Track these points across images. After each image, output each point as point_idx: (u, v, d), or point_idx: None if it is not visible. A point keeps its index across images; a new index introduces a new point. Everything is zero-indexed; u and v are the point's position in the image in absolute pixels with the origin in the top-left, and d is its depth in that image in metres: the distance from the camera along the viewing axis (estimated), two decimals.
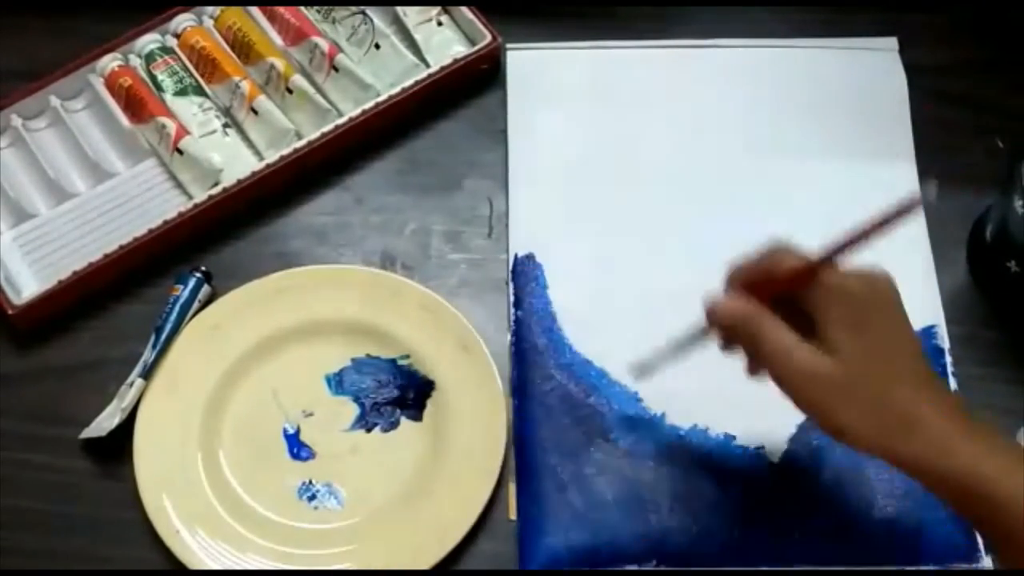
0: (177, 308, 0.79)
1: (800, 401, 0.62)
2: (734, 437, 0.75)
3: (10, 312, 0.78)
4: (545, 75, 0.88)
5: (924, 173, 0.84)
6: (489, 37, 0.87)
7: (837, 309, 0.61)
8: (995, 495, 0.58)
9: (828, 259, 0.63)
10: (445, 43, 0.88)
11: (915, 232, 0.82)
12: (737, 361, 0.77)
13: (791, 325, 0.62)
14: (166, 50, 0.87)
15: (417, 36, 0.88)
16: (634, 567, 0.71)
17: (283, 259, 0.82)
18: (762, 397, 0.75)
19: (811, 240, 0.81)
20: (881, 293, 0.62)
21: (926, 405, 0.60)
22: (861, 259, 0.63)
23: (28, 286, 0.80)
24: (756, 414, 0.75)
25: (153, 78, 0.86)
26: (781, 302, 0.63)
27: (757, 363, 0.66)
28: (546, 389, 0.76)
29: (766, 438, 0.75)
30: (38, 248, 0.81)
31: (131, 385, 0.76)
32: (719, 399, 0.75)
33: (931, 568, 0.71)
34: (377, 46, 0.87)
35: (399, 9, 0.88)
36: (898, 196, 0.82)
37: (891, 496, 0.72)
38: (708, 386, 0.75)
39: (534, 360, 0.77)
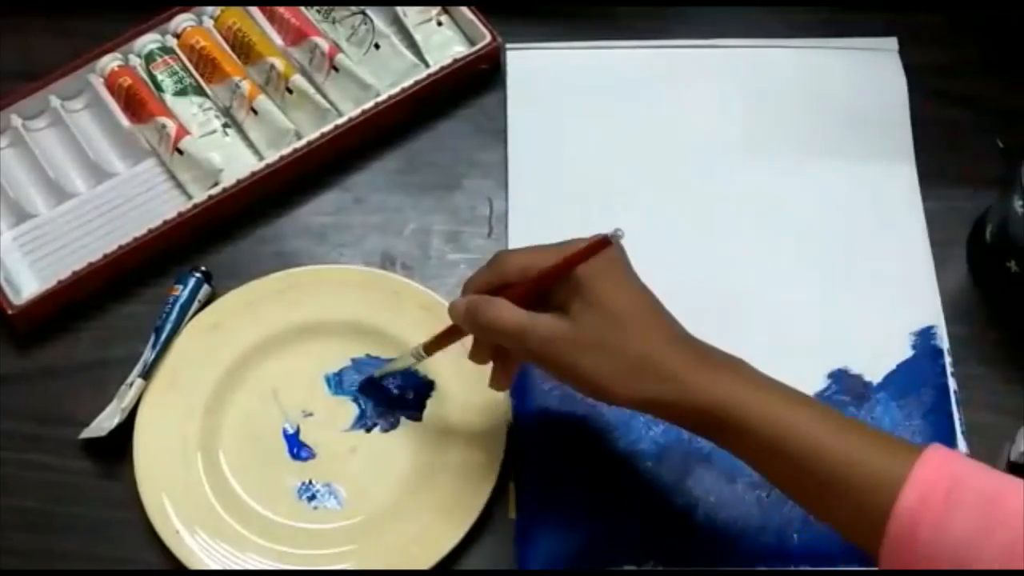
0: (177, 308, 0.78)
1: (547, 363, 0.66)
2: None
3: (10, 312, 0.78)
4: (545, 75, 0.88)
5: (924, 173, 0.84)
6: (489, 37, 0.87)
7: (565, 285, 0.65)
8: (729, 414, 0.62)
9: (568, 263, 0.65)
10: (445, 43, 0.88)
11: (915, 232, 0.82)
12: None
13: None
14: (166, 50, 0.87)
15: (417, 36, 0.88)
16: (633, 567, 0.71)
17: (283, 259, 0.82)
18: None
19: (811, 240, 0.82)
20: (603, 258, 0.65)
21: (657, 349, 0.64)
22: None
23: (28, 286, 0.80)
24: None
25: (153, 78, 0.86)
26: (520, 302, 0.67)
27: (506, 356, 0.69)
28: (545, 389, 0.76)
29: None
30: (38, 248, 0.81)
31: (131, 385, 0.76)
32: None
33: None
34: (377, 46, 0.87)
35: (399, 9, 0.88)
36: (898, 196, 0.83)
37: None
38: None
39: None
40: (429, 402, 0.77)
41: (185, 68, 0.86)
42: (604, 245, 0.65)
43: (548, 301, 0.66)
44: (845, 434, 0.61)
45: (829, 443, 0.61)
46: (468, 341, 0.72)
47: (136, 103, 0.84)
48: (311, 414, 0.77)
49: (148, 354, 0.77)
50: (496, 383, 0.71)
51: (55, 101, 0.85)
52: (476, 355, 0.70)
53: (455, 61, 0.86)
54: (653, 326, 0.66)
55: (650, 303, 0.67)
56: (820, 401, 0.71)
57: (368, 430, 0.76)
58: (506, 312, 0.66)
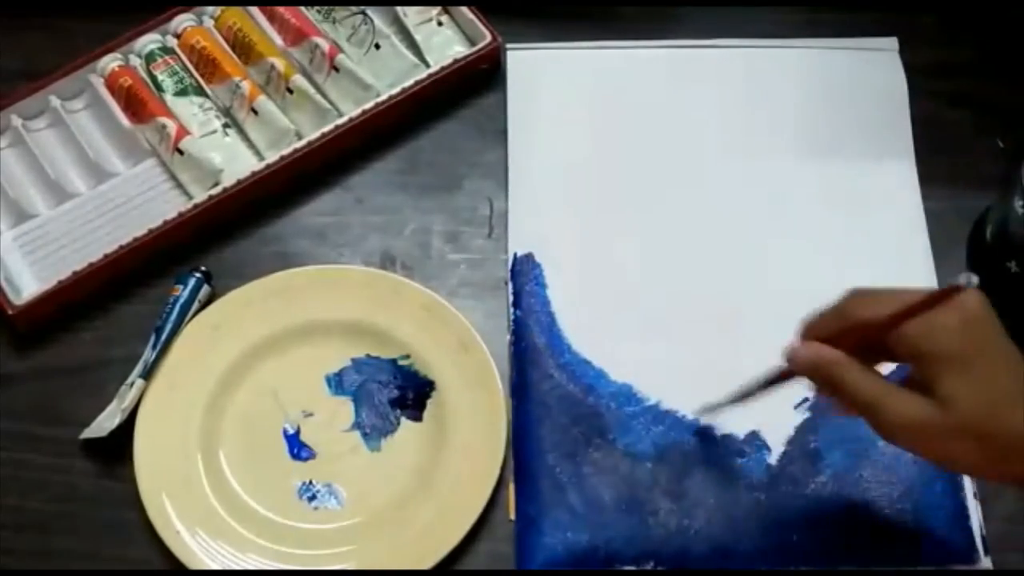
0: (177, 308, 0.79)
1: (899, 442, 0.61)
2: (732, 438, 0.75)
3: (10, 312, 0.78)
4: (545, 75, 0.88)
5: (924, 173, 0.84)
6: (489, 37, 0.87)
7: (930, 348, 0.59)
8: None
9: (918, 308, 0.60)
10: (445, 43, 0.88)
11: (915, 232, 0.82)
12: (734, 361, 0.78)
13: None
14: (166, 50, 0.87)
15: (417, 36, 0.88)
16: (632, 568, 0.71)
17: (283, 259, 0.82)
18: (759, 400, 0.76)
19: (811, 240, 0.82)
20: (974, 322, 0.59)
21: None
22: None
23: (28, 286, 0.80)
24: (754, 415, 0.75)
25: (153, 78, 0.86)
26: (869, 348, 0.61)
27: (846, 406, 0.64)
28: (545, 389, 0.76)
29: (763, 439, 0.75)
30: (38, 248, 0.81)
31: (131, 385, 0.76)
32: (717, 399, 0.75)
33: (930, 568, 0.71)
34: (377, 46, 0.87)
35: (399, 9, 0.88)
36: (898, 196, 0.83)
37: (889, 498, 0.72)
38: (706, 388, 0.75)
39: (533, 360, 0.77)
40: (429, 402, 0.77)
41: (185, 68, 0.86)
42: (954, 292, 0.58)
43: (913, 369, 0.61)
44: None
45: None
46: (463, 339, 0.73)
47: (136, 103, 0.84)
48: (311, 414, 0.77)
49: (148, 354, 0.77)
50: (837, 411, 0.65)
51: (55, 101, 0.85)
52: (832, 406, 0.65)
53: (455, 61, 0.86)
54: None
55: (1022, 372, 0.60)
56: None
57: (367, 431, 0.76)
58: (858, 376, 0.60)
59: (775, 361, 0.77)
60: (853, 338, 0.61)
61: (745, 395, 0.70)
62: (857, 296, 0.62)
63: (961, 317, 0.59)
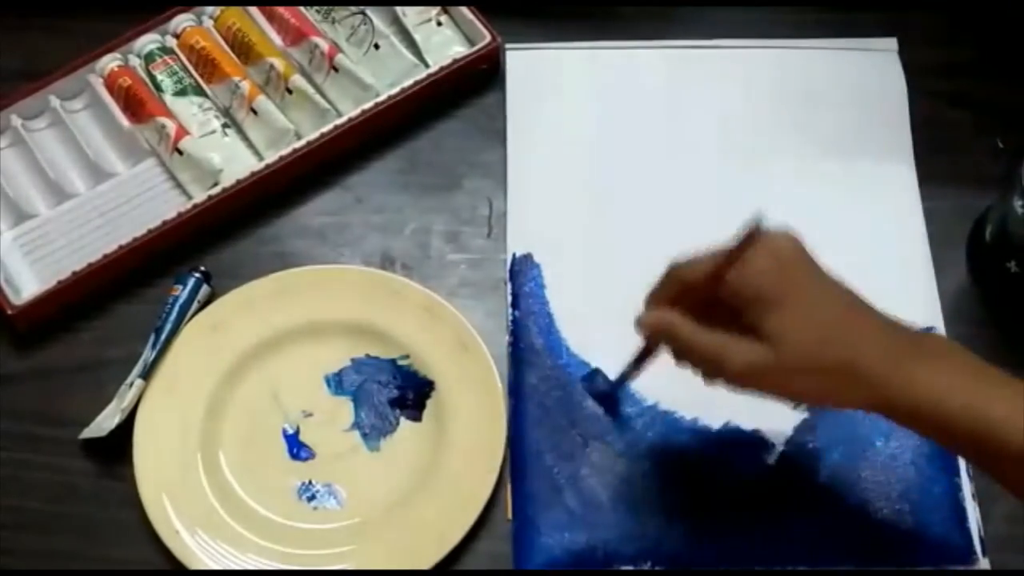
0: (177, 308, 0.79)
1: (747, 388, 0.64)
2: (730, 438, 0.75)
3: (10, 312, 0.78)
4: (545, 75, 0.88)
5: (924, 173, 0.84)
6: (489, 37, 0.87)
7: (750, 293, 0.62)
8: (939, 415, 0.61)
9: (731, 257, 0.63)
10: (445, 43, 0.88)
11: (915, 232, 0.82)
12: None
13: (724, 327, 0.63)
14: (166, 50, 0.87)
15: (417, 36, 0.88)
16: (630, 568, 0.71)
17: (283, 259, 0.82)
18: (758, 400, 0.76)
19: (810, 240, 0.81)
20: (788, 262, 0.63)
21: (861, 353, 0.62)
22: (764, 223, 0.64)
23: (28, 286, 0.80)
24: (752, 416, 0.75)
25: (153, 78, 0.86)
26: (707, 308, 0.64)
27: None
28: (543, 390, 0.76)
29: (762, 439, 0.75)
30: (38, 248, 0.81)
31: (131, 385, 0.76)
32: (715, 400, 0.75)
33: (930, 568, 0.71)
34: (377, 46, 0.87)
35: (399, 9, 0.88)
36: (898, 196, 0.83)
37: (887, 498, 0.72)
38: (705, 388, 0.75)
39: (531, 360, 0.77)
40: (429, 402, 0.77)
41: (185, 68, 0.86)
42: (755, 233, 0.62)
43: (736, 318, 0.63)
44: None
45: None
46: (462, 339, 0.73)
47: (136, 103, 0.84)
48: (311, 414, 0.77)
49: (148, 354, 0.77)
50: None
51: (55, 101, 0.86)
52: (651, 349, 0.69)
53: (455, 61, 0.86)
54: (854, 329, 0.63)
55: (845, 301, 0.64)
56: None
57: (367, 431, 0.76)
58: (697, 332, 0.63)
59: None
60: (689, 300, 0.65)
61: (624, 376, 0.72)
62: (682, 262, 0.66)
63: (775, 259, 0.62)
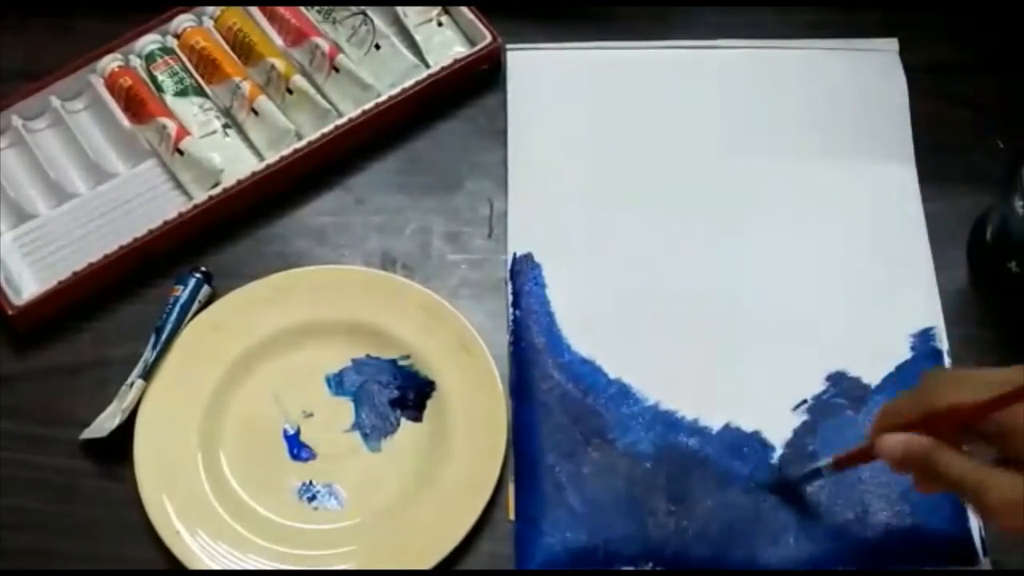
0: (177, 308, 0.79)
1: (1007, 525, 0.60)
2: (731, 439, 0.75)
3: (10, 312, 0.78)
4: (545, 75, 0.88)
5: (924, 173, 0.84)
6: (489, 37, 0.87)
7: (1019, 433, 0.59)
8: None
9: (1000, 402, 0.59)
10: (445, 43, 0.88)
11: (915, 232, 0.82)
12: (733, 362, 0.78)
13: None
14: (166, 50, 0.87)
15: (417, 36, 0.88)
16: (630, 568, 0.71)
17: (283, 259, 0.82)
18: (758, 399, 0.76)
19: (811, 241, 0.82)
20: None
21: None
22: None
23: (28, 286, 0.80)
24: (753, 417, 0.75)
25: (153, 78, 0.86)
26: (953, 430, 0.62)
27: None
28: (544, 389, 0.76)
29: (763, 440, 0.75)
30: (38, 248, 0.81)
31: (131, 385, 0.76)
32: (715, 401, 0.76)
33: (930, 568, 0.71)
34: (377, 46, 0.87)
35: (399, 9, 0.88)
36: (898, 196, 0.83)
37: (888, 499, 0.72)
38: (705, 389, 0.75)
39: (532, 360, 0.77)
40: (429, 402, 0.77)
41: (185, 68, 0.86)
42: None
43: (999, 446, 0.60)
44: None
45: None
46: (463, 339, 0.72)
47: (136, 103, 0.85)
48: (311, 414, 0.77)
49: (148, 354, 0.77)
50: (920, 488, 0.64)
51: (55, 101, 0.86)
52: (922, 488, 0.64)
53: (455, 61, 0.86)
54: None
55: None
56: None
57: (367, 432, 0.76)
58: (956, 462, 0.60)
59: (774, 361, 0.77)
60: (939, 423, 0.61)
61: (817, 474, 0.71)
62: (938, 380, 0.62)
63: None
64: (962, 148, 0.85)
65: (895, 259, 0.81)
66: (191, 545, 0.72)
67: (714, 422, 0.75)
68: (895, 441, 0.62)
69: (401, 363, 0.78)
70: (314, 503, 0.74)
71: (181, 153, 0.83)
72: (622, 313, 0.79)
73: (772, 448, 0.74)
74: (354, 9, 0.88)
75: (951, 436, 0.61)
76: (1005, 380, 0.60)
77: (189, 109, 0.85)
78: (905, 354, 0.77)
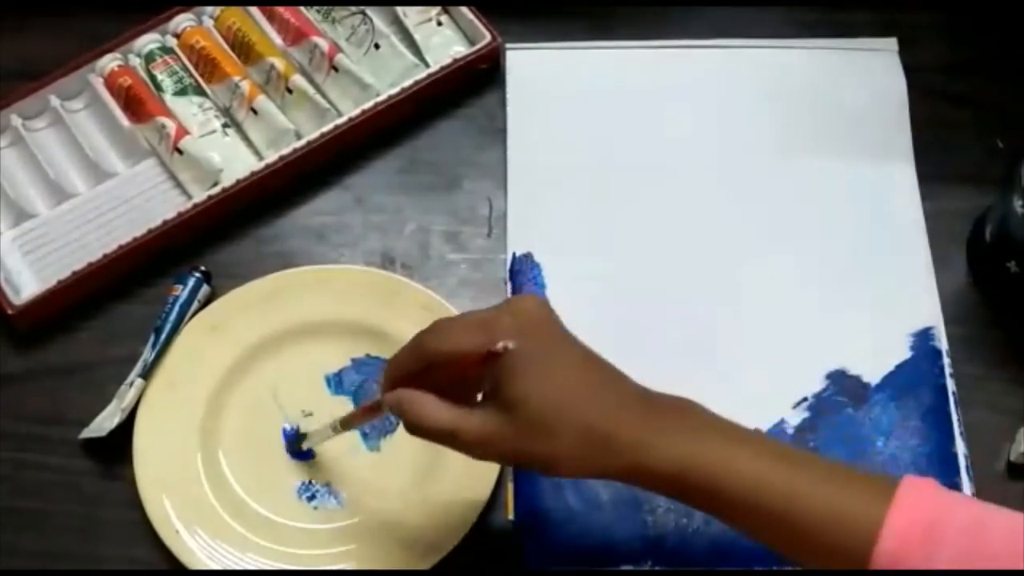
0: (177, 308, 0.79)
1: (488, 459, 0.63)
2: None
3: (10, 312, 0.78)
4: (545, 75, 0.88)
5: (924, 173, 0.84)
6: (489, 37, 0.87)
7: (492, 371, 0.61)
8: (696, 477, 0.59)
9: (465, 358, 0.61)
10: (445, 43, 0.88)
11: (915, 232, 0.82)
12: (733, 361, 0.78)
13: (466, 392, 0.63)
14: (166, 50, 0.87)
15: (417, 36, 0.88)
16: (630, 567, 0.71)
17: (283, 259, 0.82)
18: (758, 397, 0.76)
19: (810, 240, 0.82)
20: (533, 325, 0.62)
21: (603, 419, 0.60)
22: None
23: (28, 286, 0.80)
24: (752, 414, 0.75)
25: (153, 78, 0.86)
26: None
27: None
28: None
29: None
30: (38, 248, 0.81)
31: (131, 385, 0.76)
32: (715, 399, 0.75)
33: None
34: (377, 46, 0.87)
35: (399, 9, 0.88)
36: (898, 196, 0.83)
37: None
38: (704, 388, 0.75)
39: None
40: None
41: (185, 68, 0.86)
42: (492, 357, 0.60)
43: (478, 383, 0.63)
44: (818, 480, 0.58)
45: (801, 493, 0.58)
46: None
47: (136, 103, 0.84)
48: (311, 414, 0.77)
49: (148, 354, 0.77)
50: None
51: (55, 101, 0.85)
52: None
53: (455, 61, 0.86)
54: (600, 391, 0.61)
55: (591, 366, 0.63)
56: (778, 438, 0.71)
57: (367, 431, 0.76)
58: (432, 411, 0.62)
59: (774, 360, 0.78)
60: (436, 375, 0.62)
61: (343, 424, 0.71)
62: (428, 328, 0.63)
63: (517, 321, 0.61)
64: (962, 148, 0.85)
65: (895, 259, 0.81)
66: (191, 545, 0.72)
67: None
68: (390, 396, 0.64)
69: None
70: (314, 503, 0.74)
71: (180, 152, 0.83)
72: (622, 313, 0.79)
73: None
74: (353, 9, 0.88)
75: (456, 383, 0.62)
76: (488, 316, 0.62)
77: (188, 108, 0.85)
78: (905, 353, 0.77)
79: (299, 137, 0.84)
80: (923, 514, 0.56)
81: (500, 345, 0.59)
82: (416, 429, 0.63)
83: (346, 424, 0.71)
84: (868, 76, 0.87)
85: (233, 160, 0.83)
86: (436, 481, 0.74)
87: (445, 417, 0.62)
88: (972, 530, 0.55)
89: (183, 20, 0.88)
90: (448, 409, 0.62)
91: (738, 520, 0.61)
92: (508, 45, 0.88)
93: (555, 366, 0.61)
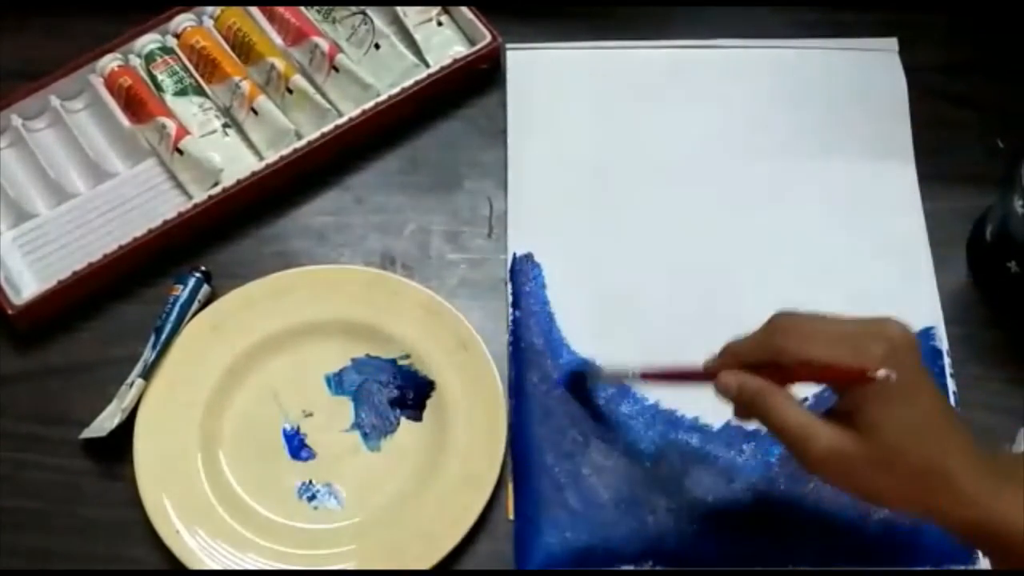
0: (177, 308, 0.79)
1: (824, 473, 0.61)
2: (731, 437, 0.75)
3: (10, 312, 0.78)
4: (545, 75, 0.88)
5: (924, 173, 0.84)
6: (489, 37, 0.87)
7: (856, 395, 0.60)
8: (1011, 534, 0.58)
9: (830, 372, 0.61)
10: (445, 43, 0.88)
11: (915, 232, 0.82)
12: None
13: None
14: (166, 50, 0.87)
15: (417, 36, 0.88)
16: (630, 567, 0.71)
17: (283, 259, 0.82)
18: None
19: (810, 240, 0.82)
20: (900, 352, 0.60)
21: (954, 466, 0.59)
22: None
23: (28, 286, 0.80)
24: None
25: (153, 78, 0.86)
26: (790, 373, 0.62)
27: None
28: (544, 389, 0.76)
29: (763, 438, 0.75)
30: (38, 248, 0.81)
31: (131, 385, 0.76)
32: (716, 400, 0.75)
33: (930, 568, 0.71)
34: (377, 46, 0.87)
35: (399, 9, 0.88)
36: (898, 196, 0.83)
37: None
38: (706, 388, 0.75)
39: (532, 360, 0.77)
40: (429, 402, 0.77)
41: (185, 68, 0.86)
42: (864, 380, 0.59)
43: (836, 405, 0.62)
44: None
45: None
46: (463, 339, 0.72)
47: (136, 103, 0.84)
48: (311, 414, 0.77)
49: (148, 354, 0.77)
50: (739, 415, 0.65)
51: (55, 101, 0.86)
52: (741, 415, 0.65)
53: (455, 61, 0.86)
54: (948, 436, 0.60)
55: (943, 409, 0.61)
56: None
57: (367, 431, 0.76)
58: (789, 410, 0.61)
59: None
60: (783, 374, 0.62)
61: (657, 375, 0.70)
62: (788, 328, 0.63)
63: (888, 347, 0.60)
64: (962, 148, 0.85)
65: (895, 259, 0.81)
66: (191, 544, 0.72)
67: (715, 420, 0.75)
68: (732, 378, 0.63)
69: (401, 363, 0.78)
70: (314, 503, 0.74)
71: (181, 153, 0.83)
72: (622, 313, 0.79)
73: (773, 445, 0.74)
74: (354, 9, 0.88)
75: (788, 382, 0.62)
76: (855, 332, 0.61)
77: (189, 109, 0.85)
78: None
79: (299, 137, 0.84)
80: None
81: (882, 373, 0.58)
82: (762, 418, 0.62)
83: (647, 376, 0.70)
84: (868, 76, 0.87)
85: (233, 160, 0.83)
86: (436, 481, 0.74)
87: (802, 420, 0.61)
88: None
89: (183, 20, 0.88)
90: (805, 413, 0.61)
91: None
92: (508, 45, 0.88)
93: (915, 403, 0.60)
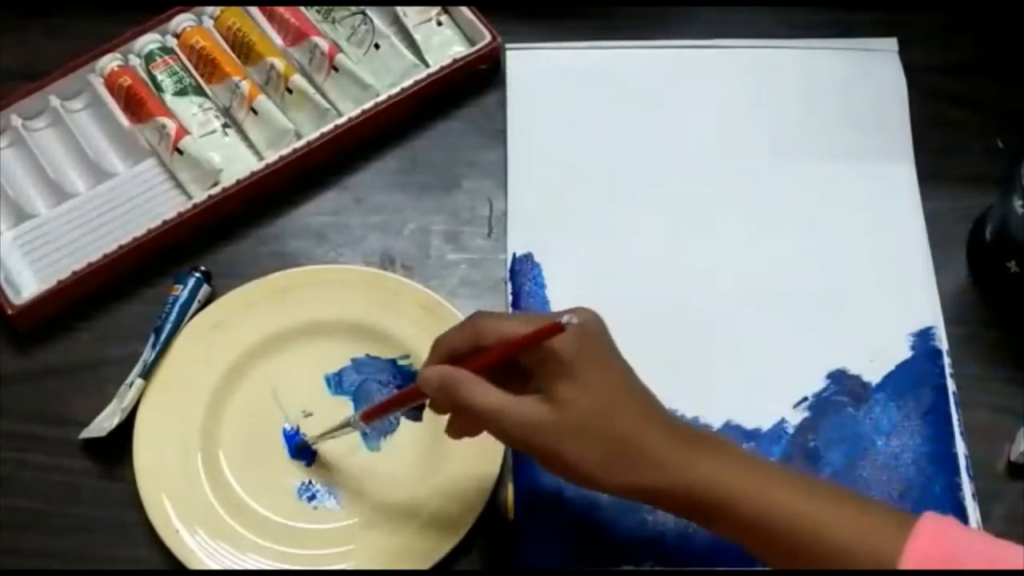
0: (176, 308, 0.79)
1: (526, 448, 0.63)
2: (731, 437, 0.75)
3: (10, 312, 0.78)
4: (545, 75, 0.88)
5: (924, 173, 0.84)
6: (489, 37, 0.87)
7: (547, 366, 0.62)
8: (718, 497, 0.61)
9: (524, 340, 0.62)
10: (445, 43, 0.88)
11: (915, 232, 0.82)
12: (733, 361, 0.78)
13: (507, 382, 0.64)
14: (166, 50, 0.87)
15: (417, 36, 0.88)
16: (630, 567, 0.71)
17: (283, 259, 0.82)
18: (758, 397, 0.76)
19: (810, 240, 0.82)
20: (586, 334, 0.63)
21: (643, 433, 0.62)
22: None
23: (28, 286, 0.80)
24: (753, 414, 0.75)
25: (153, 78, 0.86)
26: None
27: (470, 424, 0.66)
28: None
29: (762, 438, 0.75)
30: (38, 248, 0.81)
31: (131, 385, 0.76)
32: (716, 399, 0.76)
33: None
34: (377, 46, 0.87)
35: (399, 9, 0.88)
36: (898, 196, 0.83)
37: (888, 497, 0.72)
38: (705, 388, 0.75)
39: None
40: (428, 402, 0.77)
41: (185, 68, 0.86)
42: (556, 330, 0.61)
43: (527, 381, 0.64)
44: (838, 510, 0.59)
45: (823, 521, 0.59)
46: None
47: (136, 103, 0.84)
48: (311, 414, 0.77)
49: (148, 354, 0.77)
50: (451, 432, 0.67)
51: (55, 101, 0.85)
52: (451, 430, 0.67)
53: (455, 61, 0.86)
54: (638, 409, 0.63)
55: (634, 384, 0.64)
56: (807, 473, 0.71)
57: (367, 431, 0.76)
58: (482, 392, 0.63)
59: (774, 359, 0.78)
60: (481, 360, 0.63)
61: (371, 414, 0.71)
62: (486, 317, 0.65)
63: (579, 329, 0.61)
64: (962, 148, 0.85)
65: (895, 259, 0.81)
66: (191, 544, 0.72)
67: (715, 420, 0.75)
68: (433, 372, 0.64)
69: (401, 363, 0.78)
70: (313, 503, 0.74)
71: (180, 153, 0.83)
72: (621, 313, 0.79)
73: (772, 445, 0.74)
74: (353, 9, 0.88)
75: (500, 372, 0.63)
76: (547, 314, 0.65)
77: (188, 108, 0.85)
78: (905, 353, 0.77)
79: (299, 137, 0.84)
80: (942, 547, 0.56)
81: (565, 319, 0.60)
82: (462, 407, 0.64)
83: (367, 417, 0.71)
84: (868, 76, 0.87)
85: (233, 160, 0.83)
86: (436, 481, 0.74)
87: (493, 397, 0.63)
88: (990, 564, 0.56)
89: (183, 20, 0.88)
90: (495, 391, 0.63)
91: (757, 544, 0.61)
92: (508, 45, 0.88)
93: (605, 376, 0.63)
